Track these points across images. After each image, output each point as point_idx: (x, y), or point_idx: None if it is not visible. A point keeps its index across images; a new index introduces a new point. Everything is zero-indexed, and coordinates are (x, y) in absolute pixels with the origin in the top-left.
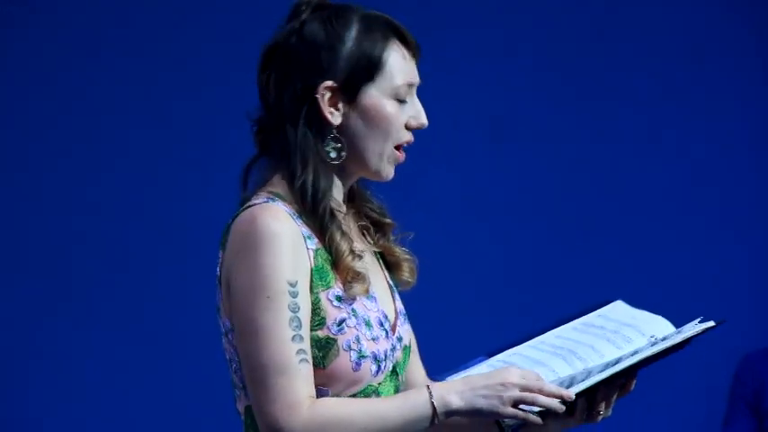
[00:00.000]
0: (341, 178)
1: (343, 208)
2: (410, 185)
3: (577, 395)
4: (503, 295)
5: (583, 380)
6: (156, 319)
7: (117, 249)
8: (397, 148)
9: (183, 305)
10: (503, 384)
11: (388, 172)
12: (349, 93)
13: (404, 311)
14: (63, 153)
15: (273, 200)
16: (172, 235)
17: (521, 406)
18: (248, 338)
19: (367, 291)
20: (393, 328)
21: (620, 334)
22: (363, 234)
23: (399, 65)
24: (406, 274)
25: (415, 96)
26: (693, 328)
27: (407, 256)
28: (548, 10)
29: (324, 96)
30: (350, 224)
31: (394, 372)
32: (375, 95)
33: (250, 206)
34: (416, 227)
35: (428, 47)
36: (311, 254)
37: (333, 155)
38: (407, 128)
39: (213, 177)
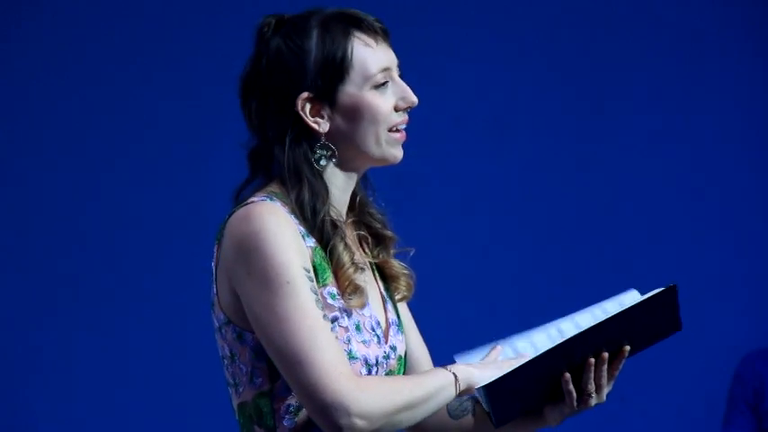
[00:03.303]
0: (346, 179)
1: (343, 215)
2: (410, 185)
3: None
4: (503, 295)
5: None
6: (153, 318)
7: (114, 248)
8: (391, 130)
9: (182, 303)
10: None
11: (395, 153)
12: (327, 98)
13: (397, 322)
14: (62, 153)
15: (271, 198)
16: (169, 233)
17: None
18: (278, 328)
19: (363, 304)
20: (386, 337)
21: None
22: (361, 244)
23: (366, 55)
24: (403, 288)
25: (398, 78)
26: (649, 294)
27: (405, 272)
28: (548, 10)
29: (305, 109)
30: (350, 233)
31: None
32: (352, 92)
33: (247, 203)
34: (416, 227)
35: (429, 47)
36: (309, 251)
37: (323, 162)
38: (397, 110)
39: (211, 175)
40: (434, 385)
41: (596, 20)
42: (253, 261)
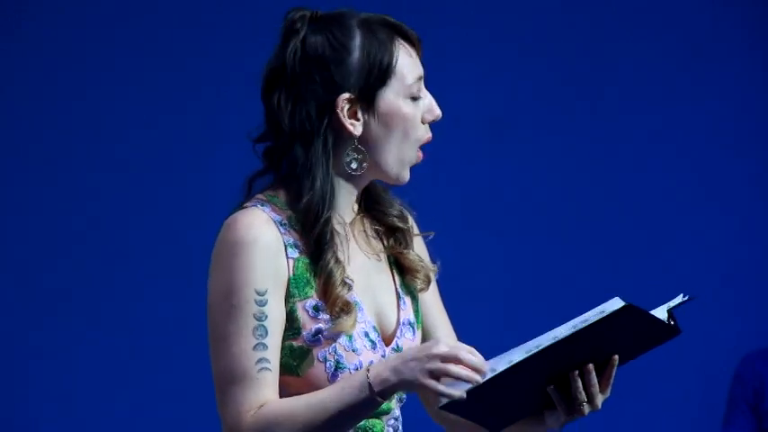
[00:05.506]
0: (354, 186)
1: (349, 216)
2: (409, 185)
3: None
4: (502, 296)
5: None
6: (154, 318)
7: (115, 249)
8: (420, 148)
9: (183, 303)
10: (427, 355)
11: (405, 176)
12: (366, 101)
13: (411, 321)
14: (62, 153)
15: (263, 204)
16: (171, 234)
17: (443, 379)
18: (213, 344)
19: (353, 325)
20: (389, 339)
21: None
22: (380, 237)
23: (408, 64)
24: (420, 281)
25: (426, 91)
26: (613, 306)
27: (422, 264)
28: (548, 10)
29: (343, 109)
30: (360, 228)
31: None
32: (391, 99)
33: (240, 209)
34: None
35: (428, 46)
36: (291, 263)
37: (354, 165)
38: (423, 122)
39: (215, 176)
40: (343, 402)
41: (596, 20)
42: (215, 272)
